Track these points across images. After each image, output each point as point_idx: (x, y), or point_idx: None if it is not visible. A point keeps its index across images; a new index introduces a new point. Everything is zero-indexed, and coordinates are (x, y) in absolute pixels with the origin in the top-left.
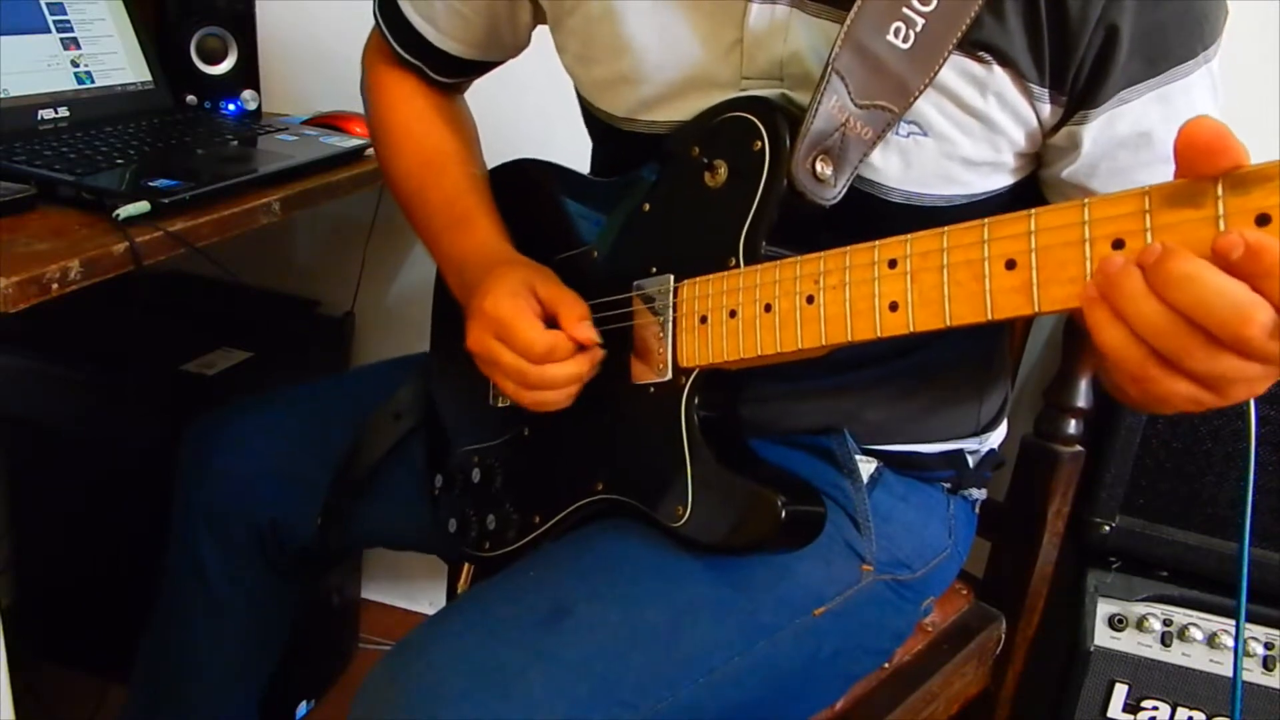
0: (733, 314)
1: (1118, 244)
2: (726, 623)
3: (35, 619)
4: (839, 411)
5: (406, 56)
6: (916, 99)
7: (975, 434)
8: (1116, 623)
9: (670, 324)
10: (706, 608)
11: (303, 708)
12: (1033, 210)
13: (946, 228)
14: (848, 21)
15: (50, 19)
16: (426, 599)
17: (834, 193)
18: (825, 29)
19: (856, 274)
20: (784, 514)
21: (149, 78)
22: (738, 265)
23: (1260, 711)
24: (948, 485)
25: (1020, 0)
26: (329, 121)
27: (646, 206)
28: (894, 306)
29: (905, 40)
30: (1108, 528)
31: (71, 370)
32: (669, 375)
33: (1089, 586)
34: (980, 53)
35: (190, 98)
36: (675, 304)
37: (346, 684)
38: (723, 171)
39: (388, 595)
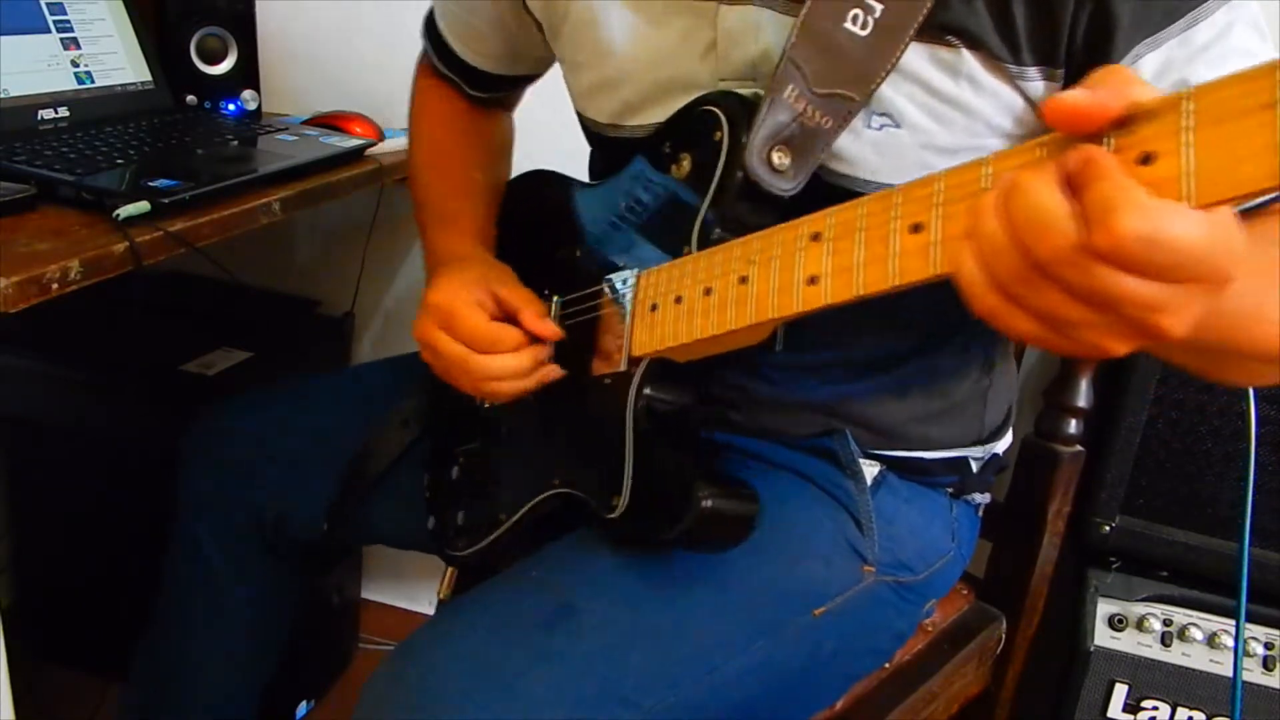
0: (679, 300)
1: None
2: (727, 622)
3: (35, 619)
4: (838, 420)
5: (444, 70)
6: (878, 86)
7: (979, 442)
8: (1116, 623)
9: (629, 315)
10: (707, 607)
11: (303, 708)
12: (942, 171)
13: (865, 197)
14: (803, 11)
15: (50, 19)
16: (426, 599)
17: (792, 184)
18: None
19: (784, 249)
20: (705, 505)
21: (149, 78)
22: (691, 252)
23: (1260, 711)
24: (950, 490)
25: None
26: (329, 121)
27: (623, 204)
28: (813, 280)
29: (864, 27)
30: (1108, 528)
31: (71, 370)
32: (623, 366)
33: (1089, 586)
34: (948, 37)
35: (190, 98)
36: (635, 294)
37: (346, 684)
38: (686, 163)
39: (388, 595)
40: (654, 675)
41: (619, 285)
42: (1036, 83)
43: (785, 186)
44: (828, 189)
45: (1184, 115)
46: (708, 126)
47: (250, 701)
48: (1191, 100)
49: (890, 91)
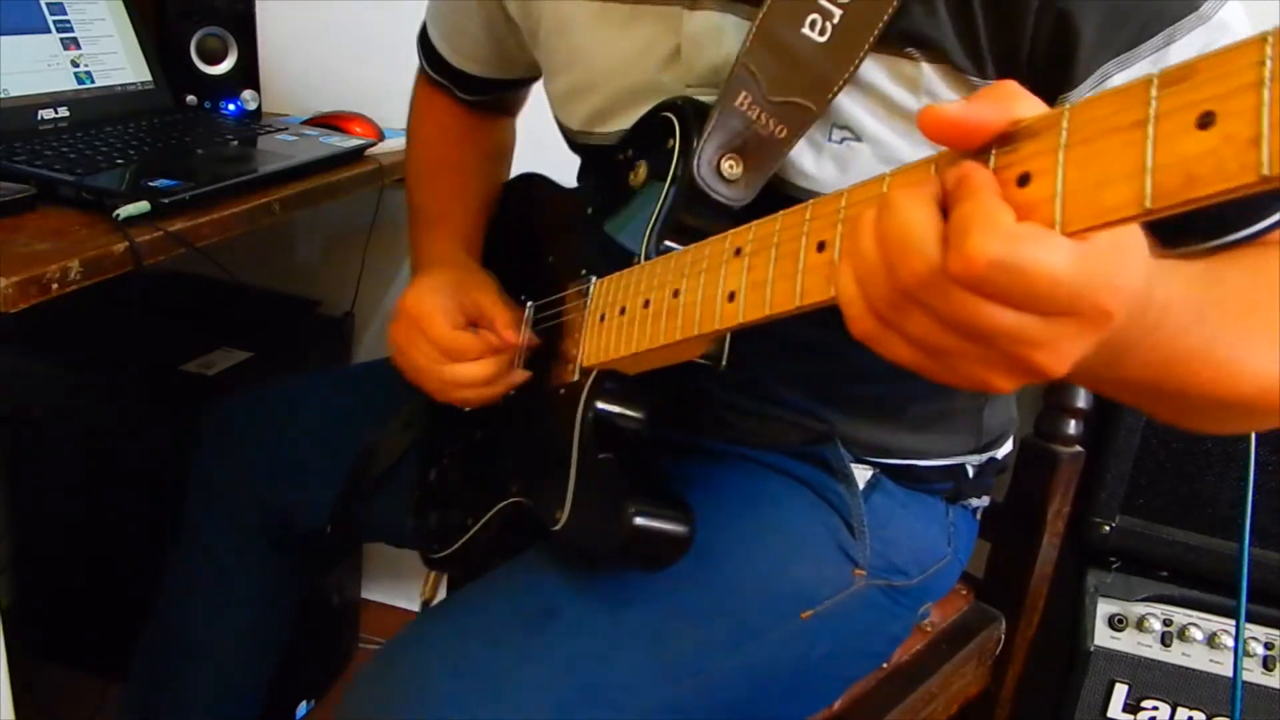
0: (622, 311)
1: None
2: (714, 624)
3: (35, 619)
4: (826, 428)
5: (435, 76)
6: (836, 94)
7: (976, 451)
8: (1116, 623)
9: (585, 324)
10: (694, 609)
11: (303, 708)
12: (848, 186)
13: (783, 211)
14: (759, 15)
15: (50, 19)
16: None
17: (743, 194)
18: None
19: (711, 263)
20: (633, 522)
21: (149, 78)
22: (639, 261)
23: (1260, 711)
24: (946, 495)
25: None
26: (329, 121)
27: (590, 210)
28: (731, 296)
29: (822, 33)
30: (1108, 528)
31: (71, 370)
32: (576, 376)
33: (1089, 586)
34: (909, 49)
35: (190, 98)
36: (589, 303)
37: (346, 684)
38: (642, 171)
39: (388, 595)
40: (640, 676)
41: (578, 293)
42: None
43: (735, 196)
44: (789, 203)
45: (1061, 133)
46: (662, 133)
47: (250, 702)
48: (1068, 117)
49: (850, 104)
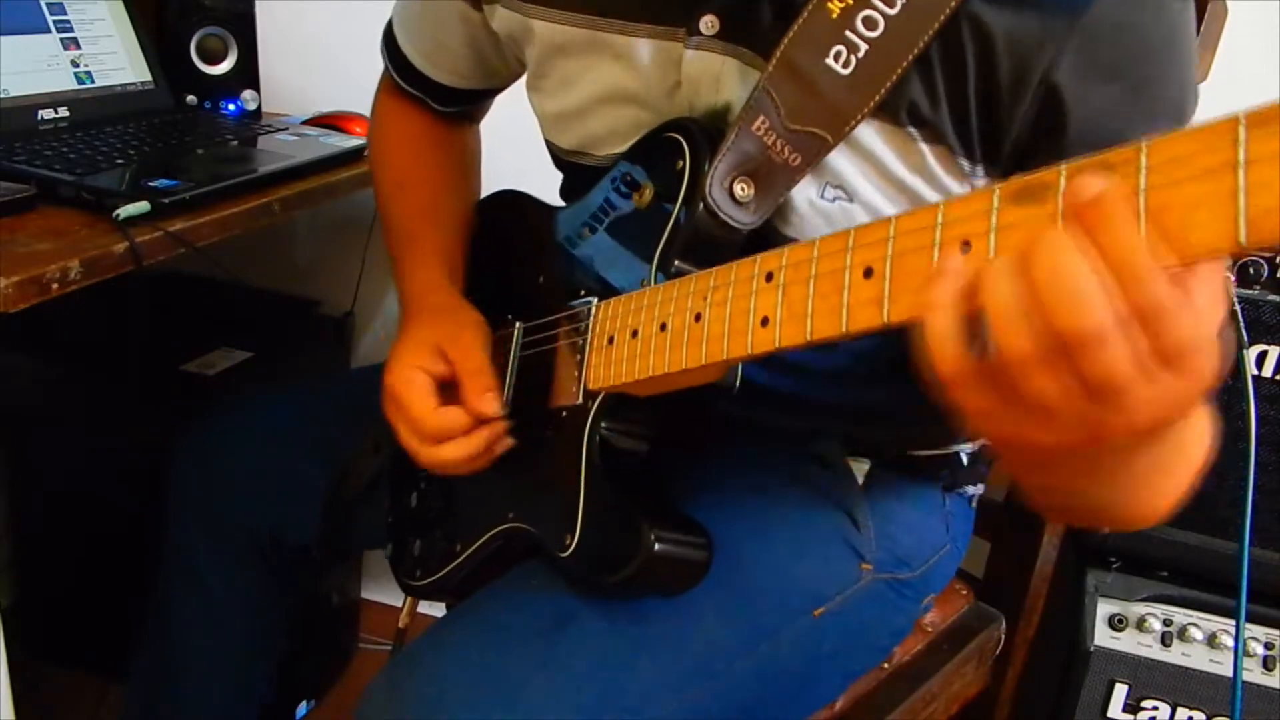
0: (634, 334)
1: (965, 247)
2: (728, 626)
3: (35, 619)
4: (823, 428)
5: (408, 89)
6: (853, 128)
7: (969, 438)
8: (1116, 623)
9: (586, 347)
10: (708, 612)
11: (303, 708)
12: (896, 214)
13: (820, 237)
14: (784, 42)
15: (50, 19)
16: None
17: (751, 218)
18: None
19: (738, 289)
20: (655, 548)
21: (149, 78)
22: (649, 283)
23: (1260, 711)
24: (942, 484)
25: (949, 68)
26: (329, 121)
27: (586, 231)
28: (765, 322)
29: (846, 65)
30: (1108, 527)
31: (71, 370)
32: (579, 399)
33: (1089, 586)
34: (910, 128)
35: (190, 98)
36: (592, 325)
37: (346, 684)
38: (648, 192)
39: (388, 595)
40: (657, 683)
41: (579, 315)
42: (982, 180)
43: (745, 219)
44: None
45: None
46: (670, 155)
47: (250, 707)
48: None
49: (847, 165)
